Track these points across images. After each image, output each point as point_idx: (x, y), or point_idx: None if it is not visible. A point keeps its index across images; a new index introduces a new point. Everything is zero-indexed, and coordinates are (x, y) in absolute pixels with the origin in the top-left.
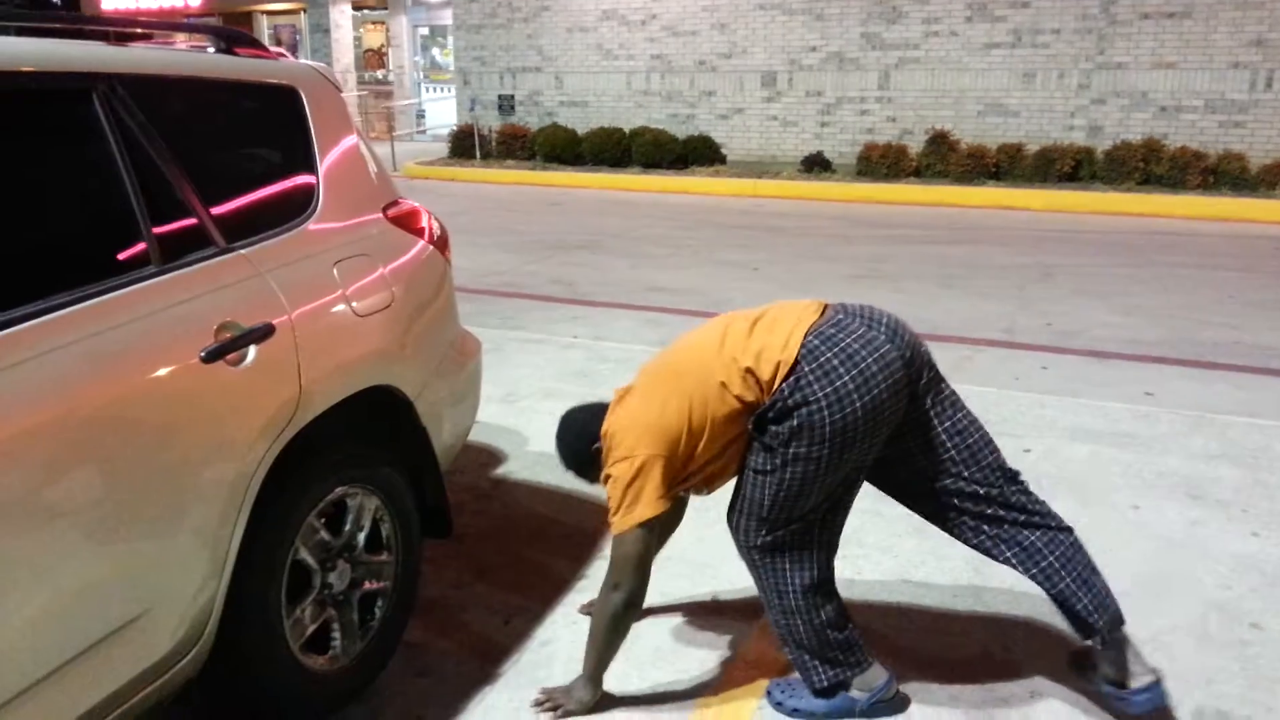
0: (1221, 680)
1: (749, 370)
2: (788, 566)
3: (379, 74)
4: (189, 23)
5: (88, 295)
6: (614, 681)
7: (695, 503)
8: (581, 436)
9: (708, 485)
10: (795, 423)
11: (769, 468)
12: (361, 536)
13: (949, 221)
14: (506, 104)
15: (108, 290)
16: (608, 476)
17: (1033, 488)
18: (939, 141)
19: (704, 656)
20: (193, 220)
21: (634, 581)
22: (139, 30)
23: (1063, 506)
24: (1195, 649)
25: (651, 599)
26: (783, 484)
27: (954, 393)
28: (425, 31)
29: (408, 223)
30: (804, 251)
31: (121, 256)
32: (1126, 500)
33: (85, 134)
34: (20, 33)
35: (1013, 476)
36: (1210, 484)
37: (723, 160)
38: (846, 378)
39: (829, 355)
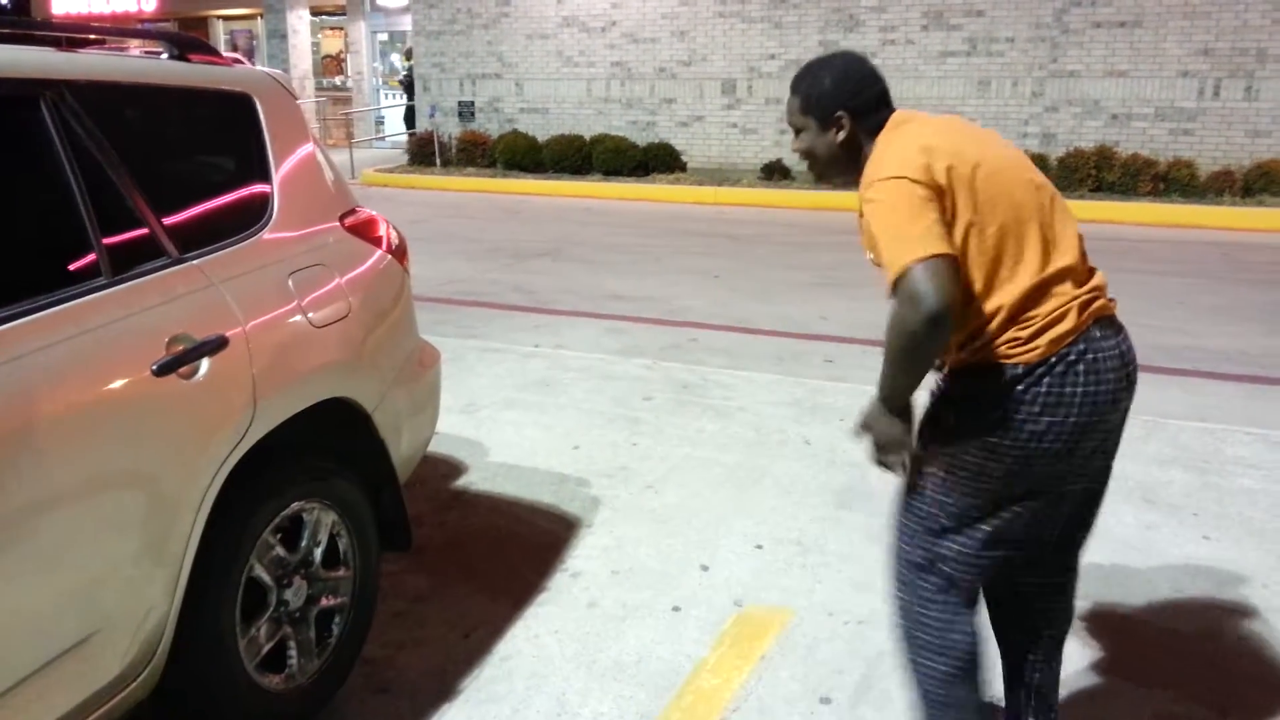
0: (1179, 684)
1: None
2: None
3: (337, 80)
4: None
5: (36, 307)
6: (574, 696)
7: (655, 513)
8: (842, 92)
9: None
10: (1045, 398)
11: (958, 452)
12: (318, 552)
13: None
14: (467, 110)
15: (56, 302)
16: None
17: None
18: None
19: (665, 669)
20: (144, 230)
21: (937, 294)
22: (91, 36)
23: None
24: (1152, 652)
25: (611, 610)
26: (975, 472)
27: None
28: (384, 38)
29: (365, 232)
30: (764, 258)
31: (71, 268)
32: None
33: (33, 142)
34: None
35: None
36: (1163, 488)
37: (683, 168)
38: (1109, 384)
39: (1101, 354)
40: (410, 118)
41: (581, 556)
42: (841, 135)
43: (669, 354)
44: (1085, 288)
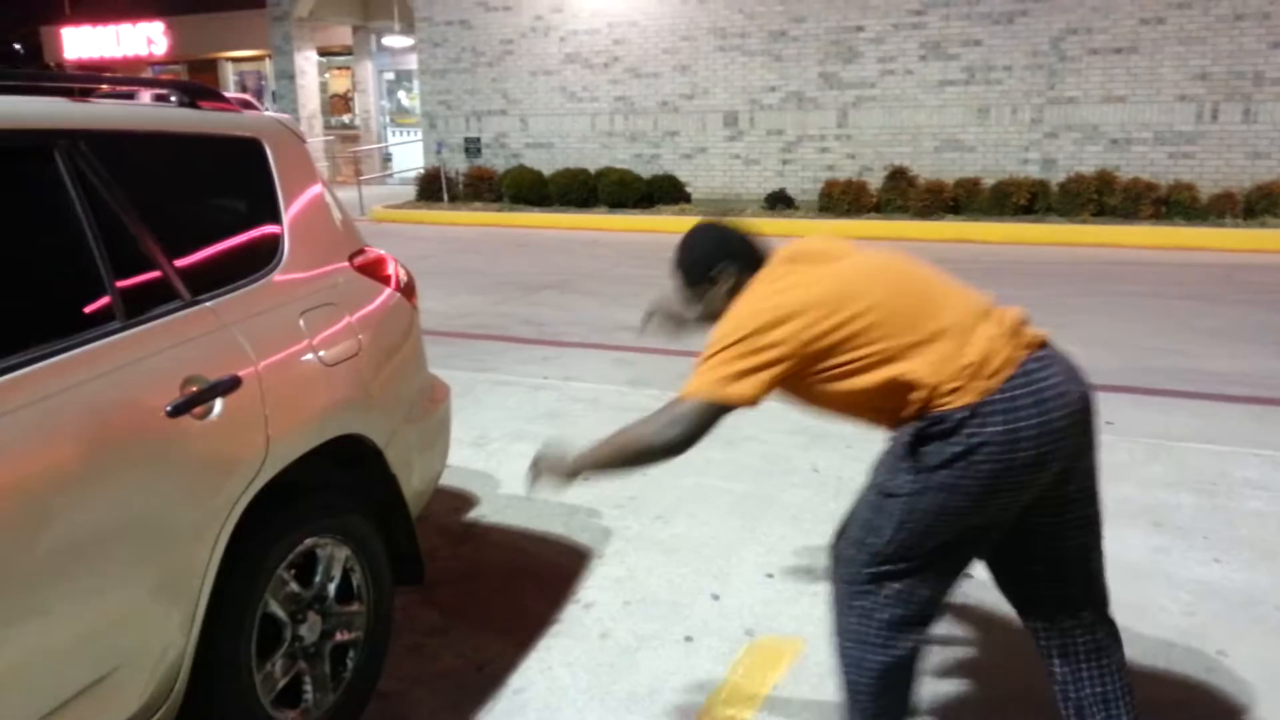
0: (1191, 708)
1: (963, 365)
2: (883, 618)
3: (345, 119)
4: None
5: (52, 351)
6: None
7: (665, 543)
8: (715, 253)
9: (822, 406)
10: (958, 448)
11: (904, 491)
12: (332, 587)
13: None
14: (473, 147)
15: (72, 346)
16: (721, 320)
17: None
18: (898, 177)
19: (678, 699)
20: (157, 274)
21: (683, 438)
22: (102, 87)
23: None
24: (1163, 678)
25: (624, 641)
26: (914, 512)
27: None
28: (391, 76)
29: (374, 271)
30: None
31: (86, 311)
32: None
33: (48, 191)
34: None
35: (1099, 619)
36: (1171, 511)
37: (688, 199)
38: (1031, 422)
39: (1023, 392)
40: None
41: (593, 587)
42: (727, 286)
43: (677, 384)
44: (1006, 326)
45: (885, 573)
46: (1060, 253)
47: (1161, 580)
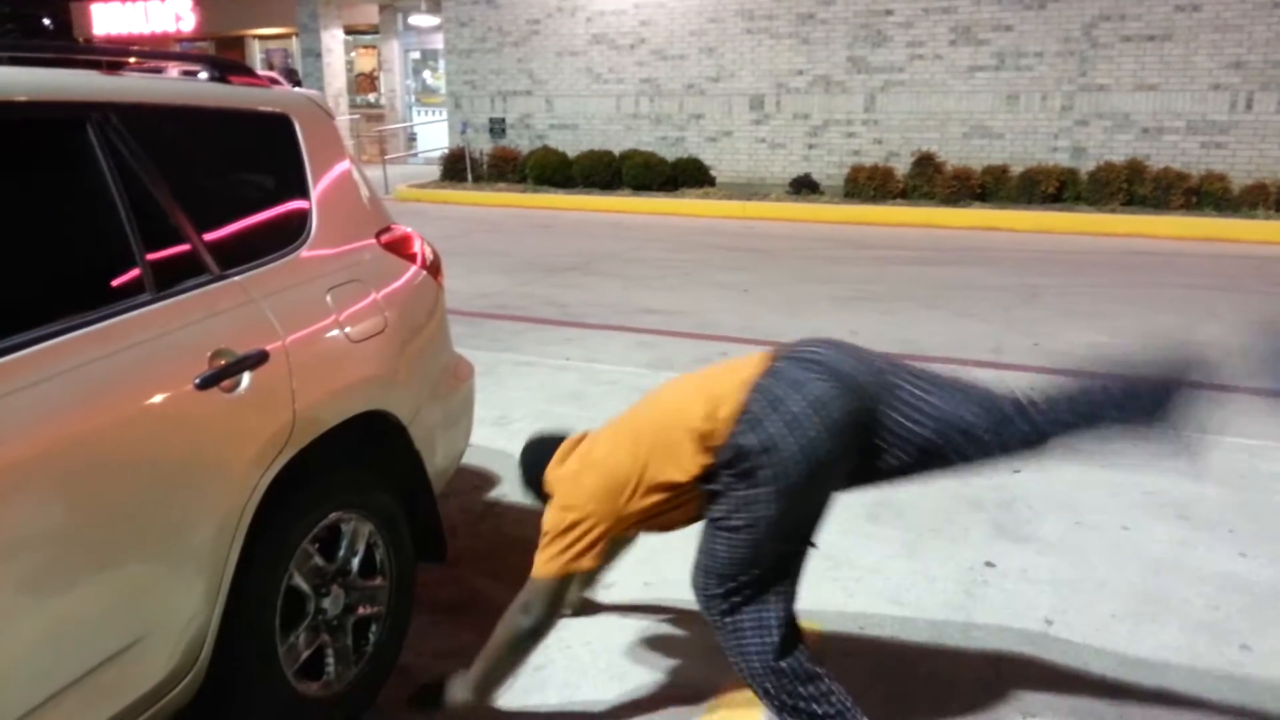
0: (1214, 702)
1: (701, 431)
2: (748, 626)
3: (371, 98)
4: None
5: (82, 323)
6: (607, 708)
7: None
8: (537, 464)
9: (662, 529)
10: (747, 465)
11: (723, 515)
12: (355, 562)
13: (935, 243)
14: (498, 127)
15: (102, 318)
16: (548, 516)
17: (1022, 507)
18: (925, 163)
19: (697, 681)
20: (186, 247)
21: (545, 614)
22: (130, 60)
23: (1053, 526)
24: (1186, 672)
25: (643, 622)
26: (737, 533)
27: (918, 389)
28: (417, 55)
29: (400, 248)
30: (793, 273)
31: (115, 284)
32: (1115, 520)
33: (79, 163)
34: (13, 62)
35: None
36: (1197, 504)
37: (712, 182)
38: (796, 410)
39: (778, 392)
40: None
41: (614, 568)
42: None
43: (697, 367)
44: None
45: (735, 596)
46: (1088, 242)
47: (1185, 573)
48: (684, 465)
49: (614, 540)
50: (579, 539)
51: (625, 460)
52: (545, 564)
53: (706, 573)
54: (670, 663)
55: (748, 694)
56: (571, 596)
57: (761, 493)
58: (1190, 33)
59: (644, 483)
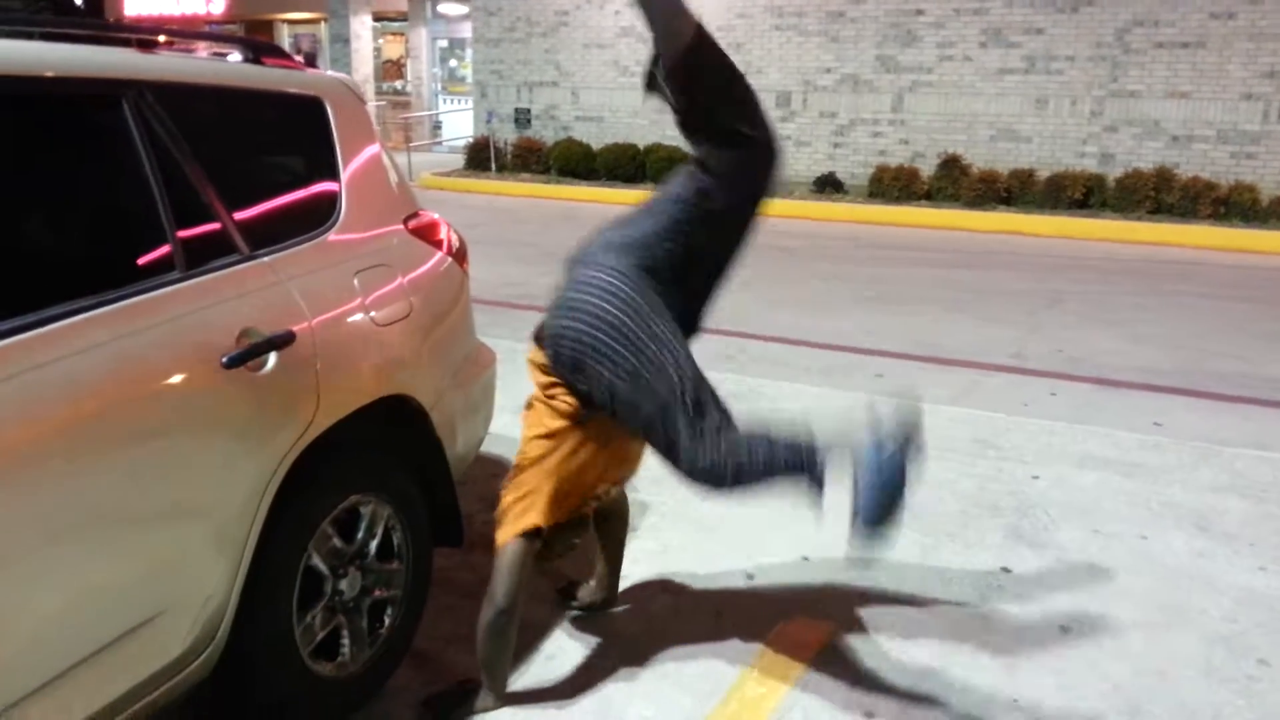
0: (1228, 716)
1: (540, 364)
2: (720, 439)
3: (397, 85)
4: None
5: (112, 299)
6: (619, 698)
7: (701, 520)
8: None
9: (612, 484)
10: (571, 358)
11: (603, 404)
12: (373, 544)
13: (959, 245)
14: (523, 117)
15: (132, 294)
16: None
17: (1040, 514)
18: (951, 165)
19: (710, 675)
20: (217, 226)
21: (509, 588)
22: (162, 39)
23: (1070, 534)
24: (1201, 684)
25: (657, 615)
26: (616, 401)
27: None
28: (444, 44)
29: (427, 234)
30: (815, 272)
31: (146, 261)
32: (1133, 530)
33: (114, 139)
34: (47, 38)
35: None
36: (1218, 516)
37: None
38: (565, 310)
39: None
40: None
41: (628, 560)
42: None
43: (717, 363)
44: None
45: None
46: (1114, 249)
47: (1203, 584)
48: (557, 406)
49: (570, 511)
50: (517, 501)
51: (530, 433)
52: (499, 537)
53: (669, 448)
54: (682, 656)
55: (762, 685)
56: (583, 591)
57: (590, 366)
58: (1224, 41)
59: (551, 441)
